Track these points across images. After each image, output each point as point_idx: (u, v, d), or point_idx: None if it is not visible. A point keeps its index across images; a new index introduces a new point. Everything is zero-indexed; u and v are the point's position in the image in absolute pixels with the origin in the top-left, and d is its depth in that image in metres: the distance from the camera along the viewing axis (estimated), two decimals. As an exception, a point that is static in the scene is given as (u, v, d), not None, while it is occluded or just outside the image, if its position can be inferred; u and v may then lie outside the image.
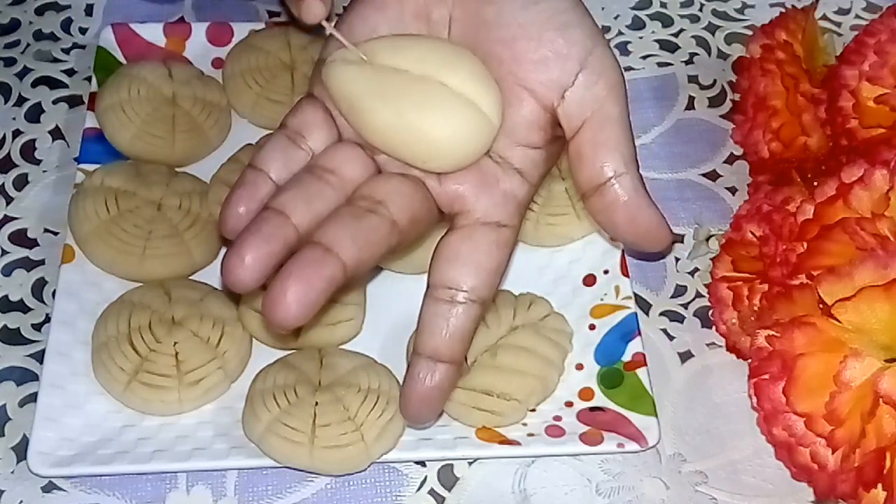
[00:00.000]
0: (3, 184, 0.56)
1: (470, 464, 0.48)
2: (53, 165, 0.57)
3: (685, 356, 0.52)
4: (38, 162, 0.57)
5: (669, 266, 0.55)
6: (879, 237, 0.44)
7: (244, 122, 0.58)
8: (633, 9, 0.66)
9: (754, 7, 0.66)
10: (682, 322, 0.53)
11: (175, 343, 0.48)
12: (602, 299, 0.52)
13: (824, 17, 0.65)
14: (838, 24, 0.66)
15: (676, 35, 0.65)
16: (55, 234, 0.54)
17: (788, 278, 0.46)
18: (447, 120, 0.40)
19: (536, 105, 0.42)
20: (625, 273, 0.52)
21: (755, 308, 0.49)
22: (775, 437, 0.45)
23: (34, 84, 0.61)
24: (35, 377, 0.49)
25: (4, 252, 0.54)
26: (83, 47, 0.63)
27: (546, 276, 0.53)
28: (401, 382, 0.48)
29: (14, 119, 0.59)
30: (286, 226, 0.39)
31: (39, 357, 0.49)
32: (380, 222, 0.40)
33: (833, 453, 0.44)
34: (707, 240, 0.55)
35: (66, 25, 0.64)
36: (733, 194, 0.57)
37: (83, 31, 0.64)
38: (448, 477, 0.48)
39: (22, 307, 0.52)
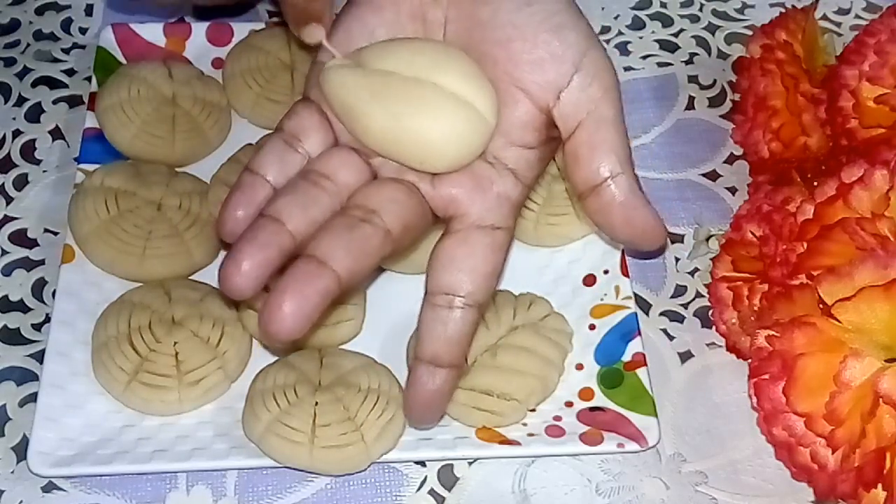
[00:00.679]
0: (3, 184, 0.56)
1: (470, 464, 0.48)
2: (53, 165, 0.57)
3: (685, 356, 0.52)
4: (38, 162, 0.57)
5: (669, 266, 0.55)
6: (879, 237, 0.44)
7: (244, 122, 0.58)
8: (633, 9, 0.66)
9: (754, 7, 0.66)
10: (682, 322, 0.53)
11: (175, 343, 0.48)
12: (602, 299, 0.52)
13: (824, 17, 0.65)
14: (838, 24, 0.66)
15: (676, 35, 0.65)
16: (55, 234, 0.54)
17: (788, 278, 0.46)
18: (443, 120, 0.40)
19: (531, 106, 0.42)
20: (625, 273, 0.52)
21: (755, 308, 0.49)
22: (775, 437, 0.45)
23: (34, 84, 0.61)
24: (35, 377, 0.49)
25: (4, 252, 0.54)
26: (83, 47, 0.63)
27: (546, 276, 0.53)
28: (401, 382, 0.48)
29: (14, 119, 0.59)
30: (282, 233, 0.39)
31: (39, 357, 0.49)
32: (373, 232, 0.40)
33: (833, 453, 0.44)
34: (707, 240, 0.55)
35: (66, 25, 0.64)
36: (733, 194, 0.57)
37: (83, 31, 0.64)
38: (448, 477, 0.48)
39: (22, 307, 0.52)
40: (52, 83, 0.61)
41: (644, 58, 0.64)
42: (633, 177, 0.42)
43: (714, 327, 0.52)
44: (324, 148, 0.42)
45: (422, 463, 0.48)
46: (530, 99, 0.42)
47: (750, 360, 0.47)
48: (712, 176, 0.58)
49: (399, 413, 0.47)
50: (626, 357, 0.50)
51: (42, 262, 0.54)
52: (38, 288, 0.53)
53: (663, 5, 0.66)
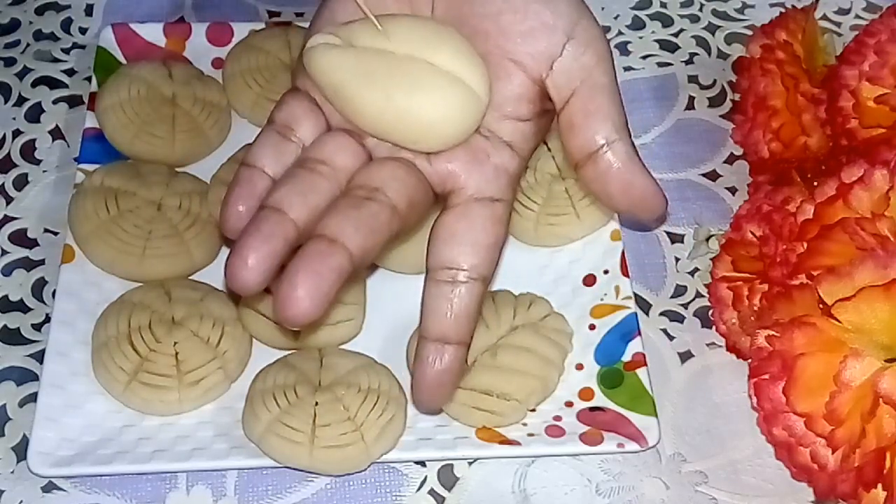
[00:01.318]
0: (3, 184, 0.56)
1: (470, 464, 0.48)
2: (53, 165, 0.57)
3: (685, 356, 0.52)
4: (38, 162, 0.57)
5: (669, 266, 0.55)
6: (879, 237, 0.44)
7: (244, 122, 0.58)
8: (633, 9, 0.66)
9: (754, 7, 0.66)
10: (682, 322, 0.53)
11: (175, 343, 0.48)
12: (602, 299, 0.52)
13: (824, 17, 0.65)
14: (838, 24, 0.66)
15: (676, 35, 0.65)
16: (55, 234, 0.54)
17: (788, 278, 0.46)
18: (436, 99, 0.40)
19: (525, 77, 0.41)
20: (625, 273, 0.52)
21: (755, 308, 0.49)
22: (775, 437, 0.45)
23: (34, 84, 0.61)
24: (35, 377, 0.49)
25: (4, 252, 0.54)
26: (83, 47, 0.63)
27: (546, 276, 0.53)
28: (401, 382, 0.48)
29: (14, 119, 0.59)
30: (285, 222, 0.39)
31: (39, 357, 0.49)
32: (380, 208, 0.39)
33: (833, 453, 0.44)
34: (707, 240, 0.55)
35: (66, 25, 0.64)
36: (733, 194, 0.57)
37: (83, 31, 0.64)
38: (448, 477, 0.48)
39: (22, 307, 0.52)
40: (52, 83, 0.61)
41: (644, 58, 0.64)
42: (630, 143, 0.42)
43: (714, 327, 0.52)
44: (317, 134, 0.42)
45: (422, 463, 0.48)
46: (523, 71, 0.41)
47: (750, 360, 0.47)
48: (712, 176, 0.58)
49: (399, 413, 0.47)
50: (626, 357, 0.50)
51: (42, 262, 0.54)
52: (38, 288, 0.53)
53: (663, 5, 0.66)
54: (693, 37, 0.65)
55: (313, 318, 0.37)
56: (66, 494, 0.46)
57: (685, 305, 0.53)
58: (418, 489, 0.47)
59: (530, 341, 0.49)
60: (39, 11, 0.64)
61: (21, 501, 0.46)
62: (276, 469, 0.47)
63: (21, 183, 0.57)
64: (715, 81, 0.63)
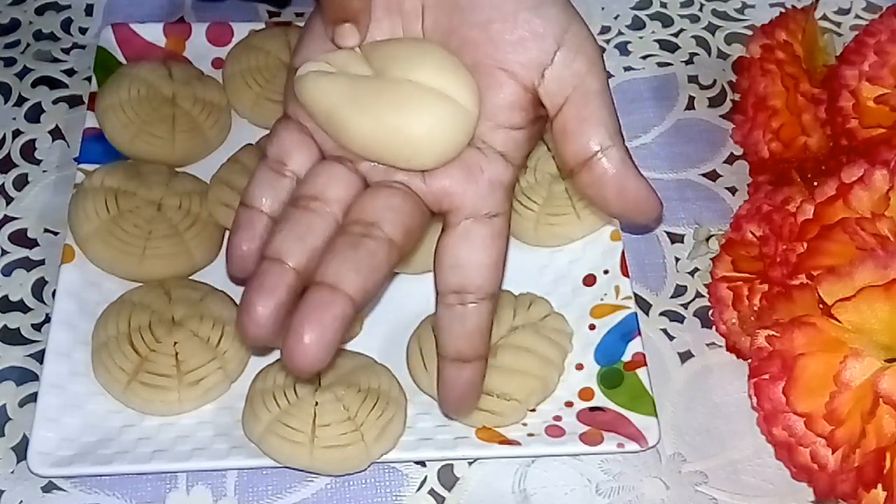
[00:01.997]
0: (3, 184, 0.56)
1: (470, 464, 0.48)
2: (53, 165, 0.57)
3: (685, 356, 0.52)
4: (38, 162, 0.57)
5: (669, 266, 0.55)
6: (879, 237, 0.44)
7: (244, 122, 0.58)
8: (633, 9, 0.66)
9: (754, 7, 0.66)
10: (682, 322, 0.53)
11: (175, 343, 0.48)
12: (602, 299, 0.52)
13: (824, 17, 0.65)
14: (838, 24, 0.66)
15: (676, 35, 0.65)
16: (55, 234, 0.54)
17: (788, 278, 0.46)
18: (426, 117, 0.40)
19: (516, 86, 0.41)
20: (625, 273, 0.52)
21: (755, 308, 0.49)
22: (775, 437, 0.45)
23: (34, 84, 0.61)
24: (35, 377, 0.49)
25: (4, 252, 0.54)
26: (83, 47, 0.63)
27: (546, 276, 0.53)
28: (401, 382, 0.48)
29: (14, 119, 0.59)
30: (285, 272, 0.39)
31: (39, 357, 0.49)
32: (377, 246, 0.40)
33: (833, 453, 0.44)
34: (707, 240, 0.55)
35: (66, 25, 0.64)
36: (733, 194, 0.57)
37: (83, 31, 0.64)
38: (448, 477, 0.48)
39: (22, 307, 0.52)
40: (52, 83, 0.61)
41: (644, 58, 0.64)
42: (624, 149, 0.42)
43: (714, 327, 0.52)
44: (310, 164, 0.42)
45: (422, 463, 0.48)
46: (514, 79, 0.41)
47: (750, 360, 0.47)
48: (712, 176, 0.58)
49: (399, 413, 0.47)
50: (626, 357, 0.50)
51: (42, 262, 0.54)
52: (38, 288, 0.53)
53: (663, 5, 0.66)
54: (693, 37, 0.65)
55: (322, 365, 0.38)
56: (66, 494, 0.46)
57: (685, 305, 0.53)
58: (418, 489, 0.47)
59: (530, 341, 0.49)
60: (39, 11, 0.64)
61: (21, 501, 0.46)
62: (276, 469, 0.47)
63: (21, 183, 0.57)
64: (715, 81, 0.63)
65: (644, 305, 0.53)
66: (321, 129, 0.42)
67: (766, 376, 0.45)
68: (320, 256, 0.40)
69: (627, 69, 0.63)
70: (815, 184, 0.47)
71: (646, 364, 0.49)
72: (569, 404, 0.49)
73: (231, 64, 0.59)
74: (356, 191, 0.41)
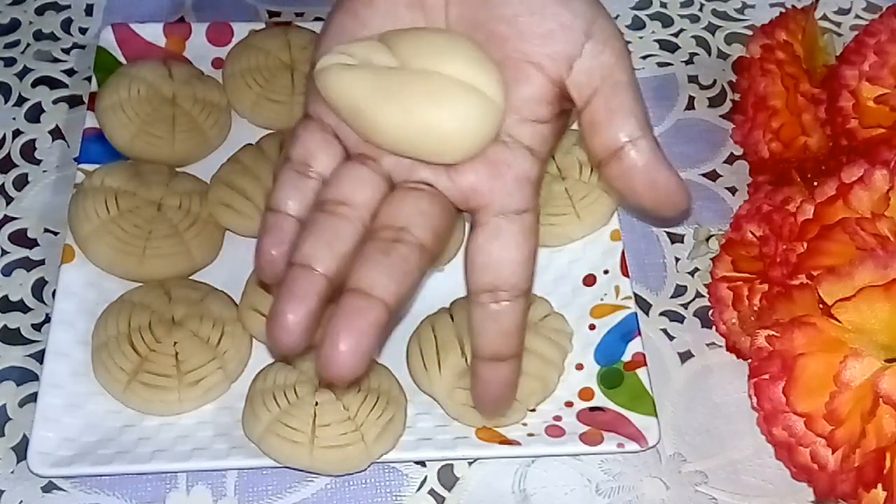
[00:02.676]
0: (3, 184, 0.57)
1: (470, 464, 0.48)
2: (53, 165, 0.57)
3: (685, 356, 0.52)
4: (38, 162, 0.57)
5: (669, 266, 0.55)
6: (879, 237, 0.44)
7: (244, 122, 0.58)
8: (633, 9, 0.66)
9: (754, 7, 0.66)
10: (682, 322, 0.53)
11: (175, 343, 0.48)
12: (602, 299, 0.52)
13: (824, 17, 0.65)
14: (838, 24, 0.66)
15: (676, 35, 0.65)
16: (55, 234, 0.54)
17: (788, 278, 0.46)
18: (455, 110, 0.40)
19: (544, 79, 0.41)
20: (625, 273, 0.52)
21: (755, 308, 0.49)
22: (775, 437, 0.45)
23: (34, 84, 0.61)
24: (35, 377, 0.49)
25: (4, 252, 0.54)
26: (83, 47, 0.63)
27: (546, 276, 0.53)
28: (401, 383, 0.48)
29: (14, 119, 0.59)
30: (315, 279, 0.39)
31: (39, 357, 0.49)
32: (409, 251, 0.39)
33: (833, 453, 0.44)
34: (707, 240, 0.55)
35: (66, 25, 0.64)
36: (733, 194, 0.57)
37: (83, 31, 0.64)
38: (448, 477, 0.48)
39: (22, 307, 0.52)
40: (52, 83, 0.61)
41: (644, 58, 0.64)
42: (653, 140, 0.42)
43: (714, 327, 0.52)
44: (335, 163, 0.42)
45: (422, 463, 0.48)
46: (542, 73, 0.41)
47: (750, 360, 0.47)
48: (712, 176, 0.58)
49: (399, 413, 0.47)
50: (626, 357, 0.50)
51: (42, 262, 0.54)
52: (38, 288, 0.53)
53: (663, 5, 0.66)
54: (693, 37, 0.65)
55: (359, 373, 0.38)
56: (66, 494, 0.46)
57: (685, 305, 0.53)
58: (418, 489, 0.47)
59: (530, 341, 0.49)
60: (39, 11, 0.64)
61: (21, 501, 0.46)
62: (276, 469, 0.47)
63: (21, 183, 0.57)
64: (715, 81, 0.63)
65: (644, 305, 0.53)
66: (346, 123, 0.42)
67: (766, 376, 0.45)
68: (351, 262, 0.39)
69: (627, 69, 0.63)
70: (815, 184, 0.47)
71: (646, 364, 0.49)
72: (569, 404, 0.49)
73: (231, 64, 0.59)
74: (382, 193, 0.41)
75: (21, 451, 0.47)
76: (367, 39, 0.42)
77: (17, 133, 0.59)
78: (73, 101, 0.60)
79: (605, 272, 0.53)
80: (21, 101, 0.60)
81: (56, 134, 0.59)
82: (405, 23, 0.42)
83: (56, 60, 0.62)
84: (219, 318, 0.49)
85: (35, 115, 0.59)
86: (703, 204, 0.57)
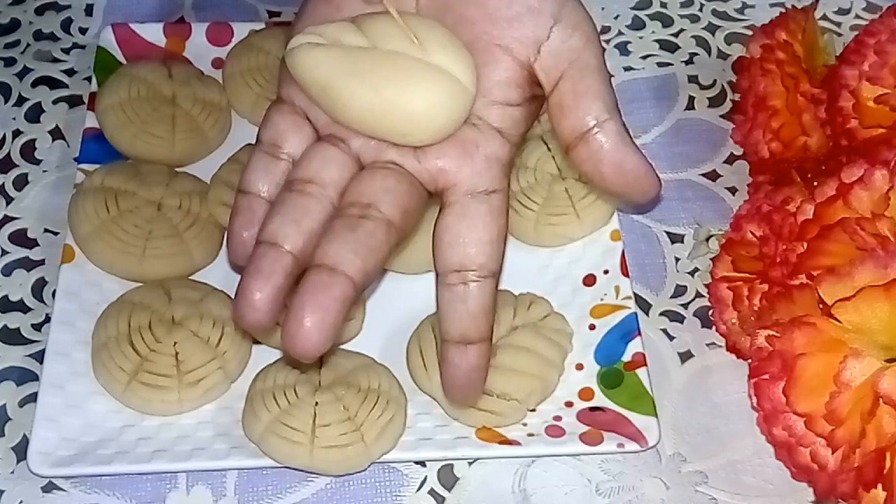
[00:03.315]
0: (3, 184, 0.57)
1: (470, 464, 0.48)
2: (53, 165, 0.57)
3: (685, 356, 0.52)
4: (38, 162, 0.57)
5: (669, 266, 0.55)
6: (879, 237, 0.44)
7: (244, 122, 0.58)
8: (633, 9, 0.66)
9: (754, 7, 0.66)
10: (682, 322, 0.53)
11: (175, 343, 0.48)
12: (602, 299, 0.52)
13: (824, 17, 0.66)
14: (838, 24, 0.66)
15: (676, 35, 0.65)
16: (55, 234, 0.54)
17: (788, 278, 0.46)
18: (424, 91, 0.40)
19: (513, 63, 0.41)
20: (625, 273, 0.52)
21: (755, 308, 0.49)
22: (775, 437, 0.45)
23: (34, 84, 0.61)
24: (35, 377, 0.49)
25: (4, 252, 0.54)
26: (83, 47, 0.63)
27: (546, 276, 0.53)
28: (401, 382, 0.48)
29: (14, 119, 0.59)
30: (282, 256, 0.39)
31: (39, 357, 0.49)
32: (375, 226, 0.39)
33: (833, 453, 0.44)
34: (707, 240, 0.55)
35: (66, 25, 0.64)
36: (733, 194, 0.57)
37: (83, 31, 0.64)
38: (448, 477, 0.48)
39: (22, 307, 0.52)
40: (52, 83, 0.61)
41: (644, 58, 0.64)
42: (621, 123, 0.41)
43: (714, 327, 0.52)
44: (305, 145, 0.42)
45: (422, 463, 0.48)
46: (510, 56, 0.41)
47: (750, 360, 0.47)
48: (712, 176, 0.58)
49: (399, 413, 0.47)
50: (626, 357, 0.50)
51: (42, 262, 0.54)
52: (38, 288, 0.53)
53: (663, 5, 0.66)
54: (693, 37, 0.65)
55: (324, 349, 0.38)
56: (66, 494, 0.46)
57: (685, 305, 0.53)
58: (418, 489, 0.47)
59: (530, 341, 0.49)
60: (39, 11, 0.64)
61: (21, 501, 0.46)
62: (276, 469, 0.47)
63: (21, 183, 0.57)
64: (715, 81, 0.63)
65: (644, 305, 0.53)
66: (315, 102, 0.41)
67: (766, 376, 0.45)
68: (317, 239, 0.39)
69: (627, 69, 0.63)
70: (815, 184, 0.47)
71: (646, 364, 0.49)
72: (569, 404, 0.49)
73: (231, 64, 0.59)
74: (350, 172, 0.41)
75: (21, 451, 0.47)
76: (339, 22, 0.42)
77: (17, 133, 0.59)
78: (73, 101, 0.60)
79: (605, 272, 0.53)
80: (21, 101, 0.60)
81: (56, 134, 0.59)
82: (378, 8, 0.42)
83: (56, 60, 0.62)
84: (219, 318, 0.49)
85: (35, 115, 0.59)
86: (703, 204, 0.57)
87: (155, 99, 0.56)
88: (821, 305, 0.44)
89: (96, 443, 0.46)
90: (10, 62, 0.62)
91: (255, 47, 0.59)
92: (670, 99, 0.62)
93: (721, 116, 0.61)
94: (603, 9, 0.66)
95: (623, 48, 0.64)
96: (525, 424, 0.48)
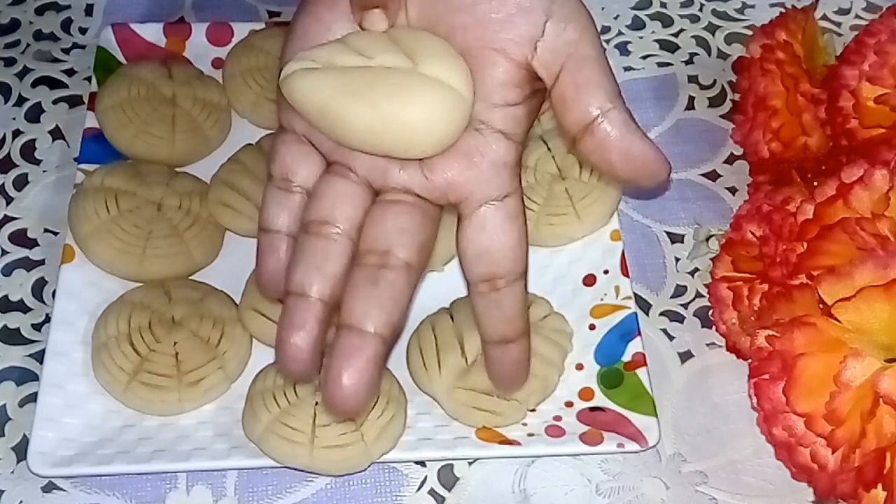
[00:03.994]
0: (3, 184, 0.57)
1: (470, 464, 0.48)
2: (53, 165, 0.57)
3: (685, 356, 0.52)
4: (38, 162, 0.57)
5: (669, 266, 0.55)
6: (879, 237, 0.44)
7: (244, 122, 0.58)
8: (633, 9, 0.66)
9: (754, 7, 0.66)
10: (682, 322, 0.53)
11: (175, 343, 0.48)
12: (602, 299, 0.52)
13: (824, 17, 0.66)
14: (838, 24, 0.66)
15: (676, 35, 0.65)
16: (55, 234, 0.54)
17: (788, 278, 0.46)
18: (421, 103, 0.40)
19: (509, 64, 0.41)
20: (625, 273, 0.52)
21: (755, 308, 0.49)
22: (775, 437, 0.45)
23: (34, 84, 0.61)
24: (35, 377, 0.49)
25: (4, 252, 0.54)
26: (83, 47, 0.63)
27: (546, 276, 0.53)
28: (401, 383, 0.48)
29: (14, 119, 0.59)
30: (312, 305, 0.40)
31: (39, 357, 0.49)
32: (395, 275, 0.40)
33: (833, 453, 0.44)
34: (707, 240, 0.55)
35: (66, 25, 0.64)
36: (733, 194, 0.57)
37: (83, 31, 0.64)
38: (448, 477, 0.48)
39: (22, 307, 0.52)
40: (52, 83, 0.61)
41: (644, 58, 0.64)
42: (626, 111, 0.41)
43: (714, 327, 0.52)
44: (316, 173, 0.42)
45: (422, 463, 0.48)
46: (507, 57, 0.41)
47: (750, 360, 0.47)
48: (712, 176, 0.58)
49: (399, 413, 0.47)
50: (626, 357, 0.50)
51: (42, 262, 0.54)
52: (38, 288, 0.53)
53: (663, 5, 0.66)
54: (693, 37, 0.65)
55: (366, 405, 0.39)
56: (66, 494, 0.46)
57: (685, 305, 0.53)
58: (418, 489, 0.47)
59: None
60: (39, 11, 0.65)
61: (21, 501, 0.46)
62: (276, 469, 0.47)
63: (21, 183, 0.57)
64: (715, 81, 0.63)
65: (644, 305, 0.53)
66: (315, 127, 0.42)
67: (766, 376, 0.45)
68: (344, 280, 0.40)
69: (627, 69, 0.63)
70: (815, 184, 0.47)
71: (646, 364, 0.49)
72: (569, 404, 0.49)
73: (231, 64, 0.59)
74: (363, 204, 0.41)
75: (21, 451, 0.47)
76: (331, 43, 0.42)
77: (17, 133, 0.59)
78: (73, 101, 0.60)
79: (605, 272, 0.53)
80: (21, 101, 0.60)
81: (56, 134, 0.59)
82: None
83: (56, 60, 0.62)
84: (219, 318, 0.49)
85: (35, 115, 0.59)
86: (703, 204, 0.57)
87: (155, 99, 0.56)
88: (821, 305, 0.44)
89: (96, 443, 0.46)
90: (10, 62, 0.62)
91: (255, 47, 0.59)
92: (670, 99, 0.62)
93: (721, 116, 0.61)
94: (603, 9, 0.66)
95: (623, 48, 0.64)
96: (525, 424, 0.48)
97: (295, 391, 0.46)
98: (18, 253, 0.54)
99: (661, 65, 0.63)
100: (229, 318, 0.49)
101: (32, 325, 0.52)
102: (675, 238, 0.56)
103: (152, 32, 0.61)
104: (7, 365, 0.50)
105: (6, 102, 0.60)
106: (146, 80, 0.57)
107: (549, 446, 0.47)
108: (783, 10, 0.59)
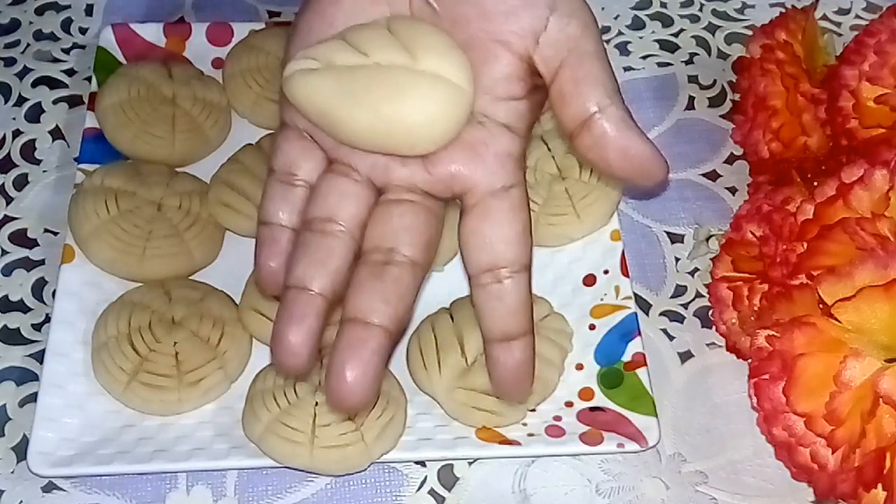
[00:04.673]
0: (3, 184, 0.57)
1: (470, 464, 0.48)
2: (53, 165, 0.57)
3: (685, 356, 0.52)
4: (38, 162, 0.57)
5: (669, 266, 0.55)
6: (879, 237, 0.44)
7: (244, 122, 0.58)
8: (633, 9, 0.66)
9: (754, 7, 0.66)
10: (682, 322, 0.53)
11: (175, 343, 0.48)
12: (602, 299, 0.52)
13: (824, 17, 0.66)
14: (838, 24, 0.66)
15: (676, 35, 0.65)
16: (55, 234, 0.54)
17: (788, 278, 0.46)
18: (421, 101, 0.40)
19: (512, 57, 0.41)
20: (625, 273, 0.52)
21: (755, 308, 0.49)
22: (775, 437, 0.45)
23: (34, 84, 0.61)
24: (35, 377, 0.49)
25: (4, 252, 0.54)
26: (83, 47, 0.63)
27: (546, 276, 0.53)
28: (401, 383, 0.48)
29: (14, 119, 0.59)
30: (312, 299, 0.39)
31: (39, 357, 0.49)
32: (400, 271, 0.40)
33: (833, 453, 0.44)
34: (707, 240, 0.55)
35: (66, 25, 0.64)
36: (733, 194, 0.57)
37: (83, 31, 0.64)
38: (448, 477, 0.48)
39: (22, 307, 0.52)
40: (52, 83, 0.61)
41: (644, 58, 0.64)
42: (624, 108, 0.41)
43: (714, 327, 0.52)
44: (319, 168, 0.42)
45: (422, 463, 0.48)
46: (509, 50, 0.41)
47: (750, 360, 0.47)
48: (712, 176, 0.58)
49: (399, 413, 0.47)
50: (626, 357, 0.50)
51: (42, 262, 0.54)
52: (38, 288, 0.53)
53: (663, 5, 0.66)
54: (693, 37, 0.65)
55: (370, 400, 0.38)
56: (66, 494, 0.46)
57: (685, 305, 0.53)
58: (418, 489, 0.47)
59: (530, 341, 0.49)
60: (39, 11, 0.64)
61: (21, 501, 0.46)
62: (276, 469, 0.47)
63: (21, 183, 0.57)
64: (715, 81, 0.63)
65: (644, 305, 0.53)
66: (317, 126, 0.42)
67: (766, 376, 0.45)
68: (345, 277, 0.40)
69: (627, 69, 0.63)
70: (815, 184, 0.47)
71: (646, 364, 0.49)
72: (569, 404, 0.49)
73: (231, 64, 0.59)
74: (367, 203, 0.41)
75: (21, 451, 0.47)
76: (330, 40, 0.42)
77: (17, 133, 0.59)
78: (73, 101, 0.60)
79: (605, 272, 0.53)
80: (21, 101, 0.60)
81: (56, 134, 0.59)
82: (371, 18, 0.42)
83: (56, 60, 0.62)
84: (219, 318, 0.49)
85: (35, 115, 0.59)
86: (703, 204, 0.57)
87: (155, 99, 0.56)
88: (821, 305, 0.44)
89: (96, 443, 0.46)
90: (10, 62, 0.62)
91: (255, 47, 0.59)
92: (670, 99, 0.62)
93: (721, 116, 0.61)
94: (603, 9, 0.66)
95: (623, 48, 0.64)
96: (525, 424, 0.48)
97: (295, 391, 0.46)
98: (18, 253, 0.54)
99: (661, 65, 0.63)
100: (229, 318, 0.49)
101: (32, 325, 0.52)
102: (675, 238, 0.56)
103: (152, 32, 0.61)
104: (7, 365, 0.50)
105: (6, 102, 0.60)
106: (146, 80, 0.57)
107: (549, 446, 0.47)
108: (783, 10, 0.59)
